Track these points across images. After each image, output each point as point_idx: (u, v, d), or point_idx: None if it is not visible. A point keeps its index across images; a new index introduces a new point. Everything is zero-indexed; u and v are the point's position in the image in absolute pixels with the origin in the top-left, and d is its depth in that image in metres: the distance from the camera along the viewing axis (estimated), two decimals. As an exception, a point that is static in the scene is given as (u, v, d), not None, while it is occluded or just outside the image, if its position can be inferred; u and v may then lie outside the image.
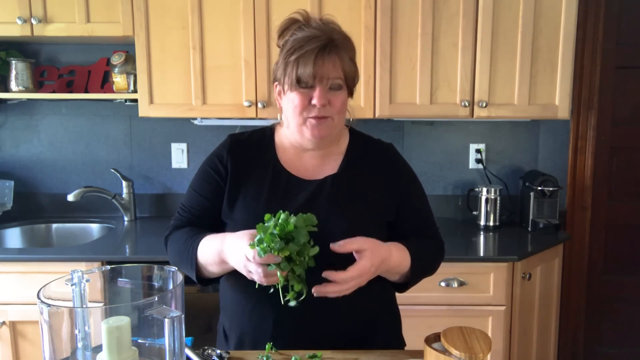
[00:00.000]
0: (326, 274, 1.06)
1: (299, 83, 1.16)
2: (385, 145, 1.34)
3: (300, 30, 1.18)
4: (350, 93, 1.24)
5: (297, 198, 1.22)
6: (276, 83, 1.24)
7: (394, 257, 1.17)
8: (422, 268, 1.26)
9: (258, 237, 1.03)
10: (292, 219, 1.03)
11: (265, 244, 1.01)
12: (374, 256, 1.11)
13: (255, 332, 1.24)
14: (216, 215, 1.27)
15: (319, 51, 1.14)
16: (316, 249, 1.04)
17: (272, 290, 1.10)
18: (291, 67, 1.15)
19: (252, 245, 1.03)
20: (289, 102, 1.19)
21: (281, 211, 1.05)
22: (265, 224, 1.05)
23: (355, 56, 1.23)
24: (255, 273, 1.05)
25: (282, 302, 1.08)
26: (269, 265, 1.03)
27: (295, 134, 1.23)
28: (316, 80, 1.15)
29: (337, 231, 1.18)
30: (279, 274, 1.02)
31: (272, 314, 1.21)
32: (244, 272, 1.09)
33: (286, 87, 1.18)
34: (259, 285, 1.08)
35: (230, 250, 1.11)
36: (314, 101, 1.15)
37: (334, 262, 1.20)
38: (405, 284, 1.27)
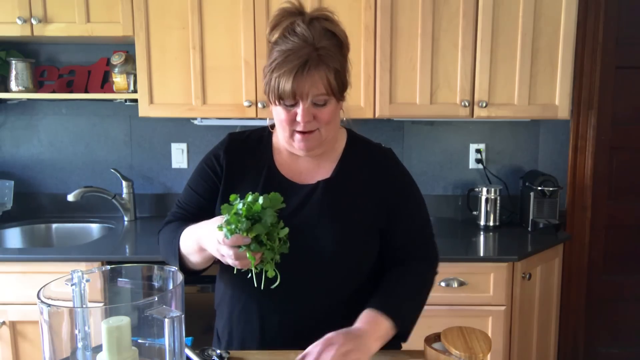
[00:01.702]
0: None
1: (282, 100, 1.14)
2: (383, 151, 1.31)
3: (286, 37, 1.14)
4: (342, 98, 1.20)
5: (288, 202, 1.20)
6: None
7: (373, 344, 1.10)
8: (413, 318, 1.21)
9: (225, 218, 1.03)
10: (260, 200, 1.02)
11: (232, 225, 1.01)
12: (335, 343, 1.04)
13: (243, 332, 1.25)
14: (210, 213, 1.25)
15: (298, 69, 1.10)
16: (286, 230, 1.03)
17: (249, 275, 1.08)
18: (273, 83, 1.13)
19: (220, 228, 1.03)
20: (276, 114, 1.18)
21: (250, 192, 1.04)
22: (232, 205, 1.04)
23: (346, 62, 1.18)
24: (227, 256, 1.04)
25: (255, 286, 1.08)
26: (240, 247, 1.02)
27: (285, 143, 1.23)
28: (297, 98, 1.12)
29: (327, 237, 1.18)
30: (248, 254, 1.01)
31: (260, 314, 1.21)
32: (219, 257, 1.08)
33: (271, 99, 1.16)
34: (236, 270, 1.08)
35: (205, 236, 1.11)
36: (298, 118, 1.14)
37: (321, 267, 1.19)
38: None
